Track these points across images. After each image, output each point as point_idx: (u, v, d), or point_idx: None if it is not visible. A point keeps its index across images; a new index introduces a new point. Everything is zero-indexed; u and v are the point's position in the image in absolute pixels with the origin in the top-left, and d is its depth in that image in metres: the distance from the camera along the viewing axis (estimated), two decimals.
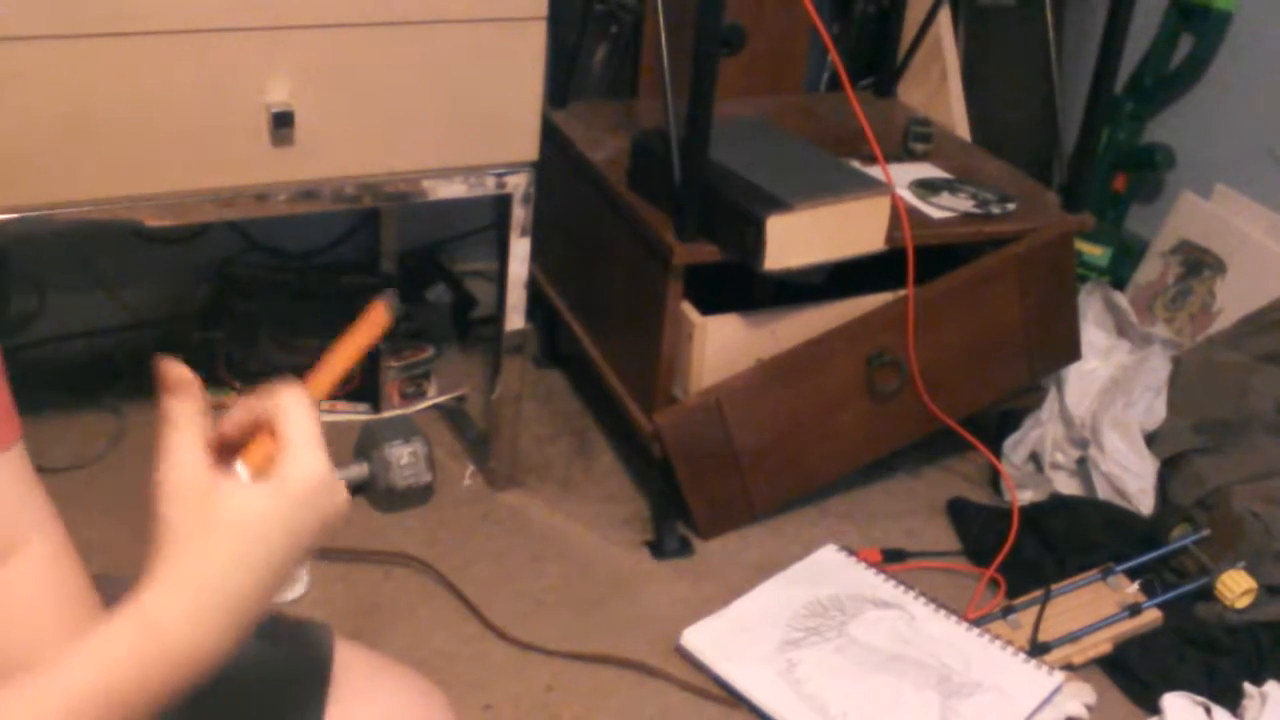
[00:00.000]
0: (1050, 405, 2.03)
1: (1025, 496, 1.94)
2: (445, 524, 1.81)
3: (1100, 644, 1.66)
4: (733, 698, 1.56)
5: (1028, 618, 1.68)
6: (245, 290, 2.05)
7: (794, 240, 1.62)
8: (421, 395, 2.06)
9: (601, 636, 1.64)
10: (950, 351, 1.85)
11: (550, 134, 1.87)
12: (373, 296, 0.77)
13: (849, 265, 1.73)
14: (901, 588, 1.72)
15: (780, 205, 1.61)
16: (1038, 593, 1.71)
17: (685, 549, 1.81)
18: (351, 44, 1.47)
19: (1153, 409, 1.96)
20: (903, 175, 1.91)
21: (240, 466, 0.69)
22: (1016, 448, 2.03)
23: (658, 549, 1.80)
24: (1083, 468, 1.96)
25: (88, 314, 2.10)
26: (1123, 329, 2.11)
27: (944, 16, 2.31)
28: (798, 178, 1.69)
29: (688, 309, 1.71)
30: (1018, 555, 1.80)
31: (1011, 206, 1.88)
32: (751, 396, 1.74)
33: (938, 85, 2.32)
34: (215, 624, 0.66)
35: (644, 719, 1.54)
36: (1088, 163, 1.91)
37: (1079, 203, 1.92)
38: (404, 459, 1.78)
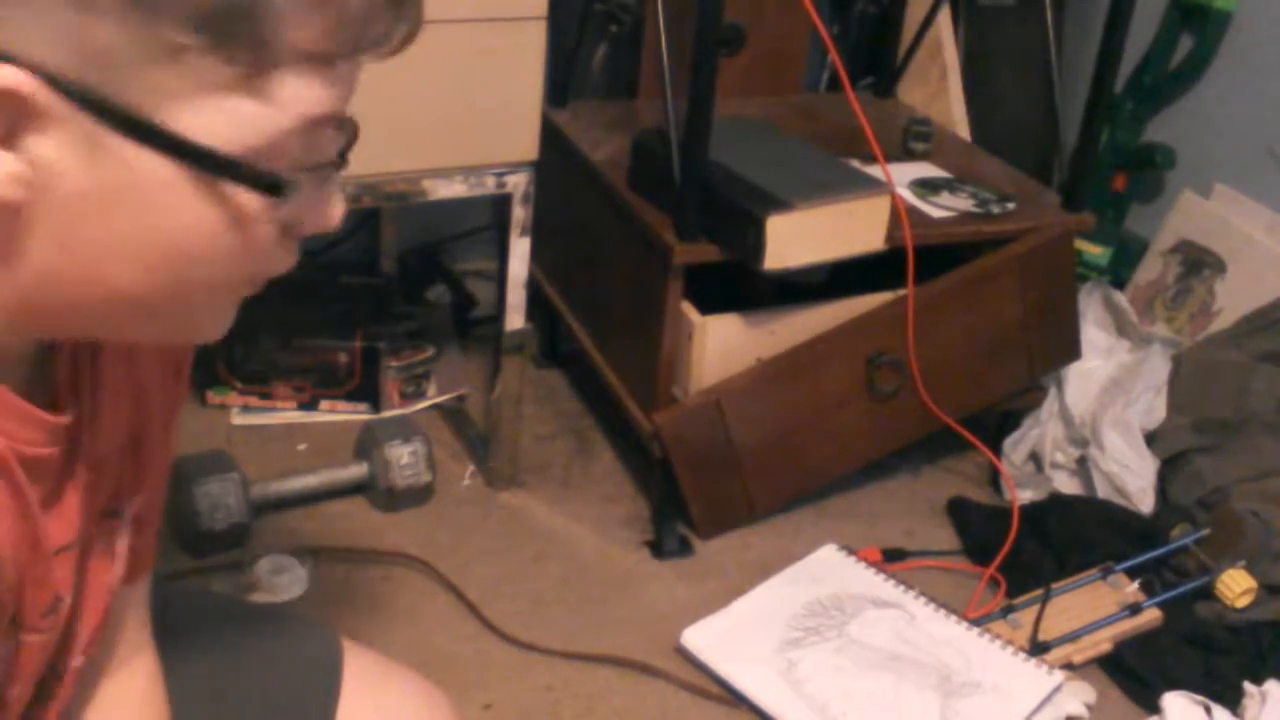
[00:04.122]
0: (1050, 405, 2.03)
1: (1025, 496, 1.94)
2: (445, 524, 1.81)
3: (1100, 643, 1.66)
4: (733, 697, 1.56)
5: (1028, 617, 1.68)
6: None
7: (794, 240, 1.62)
8: (421, 395, 2.06)
9: (601, 636, 1.64)
10: (950, 351, 1.85)
11: (550, 134, 1.87)
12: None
13: (849, 265, 1.73)
14: (901, 587, 1.71)
15: (780, 205, 1.61)
16: (1038, 592, 1.71)
17: (685, 549, 1.81)
18: None
19: (1153, 409, 1.96)
20: (903, 175, 1.91)
21: None
22: (1016, 447, 2.03)
23: (658, 549, 1.80)
24: (1083, 467, 1.96)
25: None
26: (1123, 329, 2.11)
27: (944, 16, 2.31)
28: (798, 178, 1.69)
29: (688, 309, 1.71)
30: (1018, 555, 1.80)
31: (1011, 206, 1.88)
32: (751, 396, 1.74)
33: (938, 85, 2.32)
34: None
35: (644, 719, 1.54)
36: (1088, 162, 1.91)
37: (1079, 202, 1.92)
38: (404, 459, 1.78)
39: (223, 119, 0.55)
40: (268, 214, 0.60)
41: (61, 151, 0.54)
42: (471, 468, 1.93)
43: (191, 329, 0.65)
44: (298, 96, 0.57)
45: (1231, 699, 1.58)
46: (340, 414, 1.99)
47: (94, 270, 0.58)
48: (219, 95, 0.54)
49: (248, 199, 0.58)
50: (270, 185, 0.58)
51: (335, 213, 0.65)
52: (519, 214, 1.67)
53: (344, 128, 0.64)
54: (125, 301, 0.60)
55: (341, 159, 0.62)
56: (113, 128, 0.54)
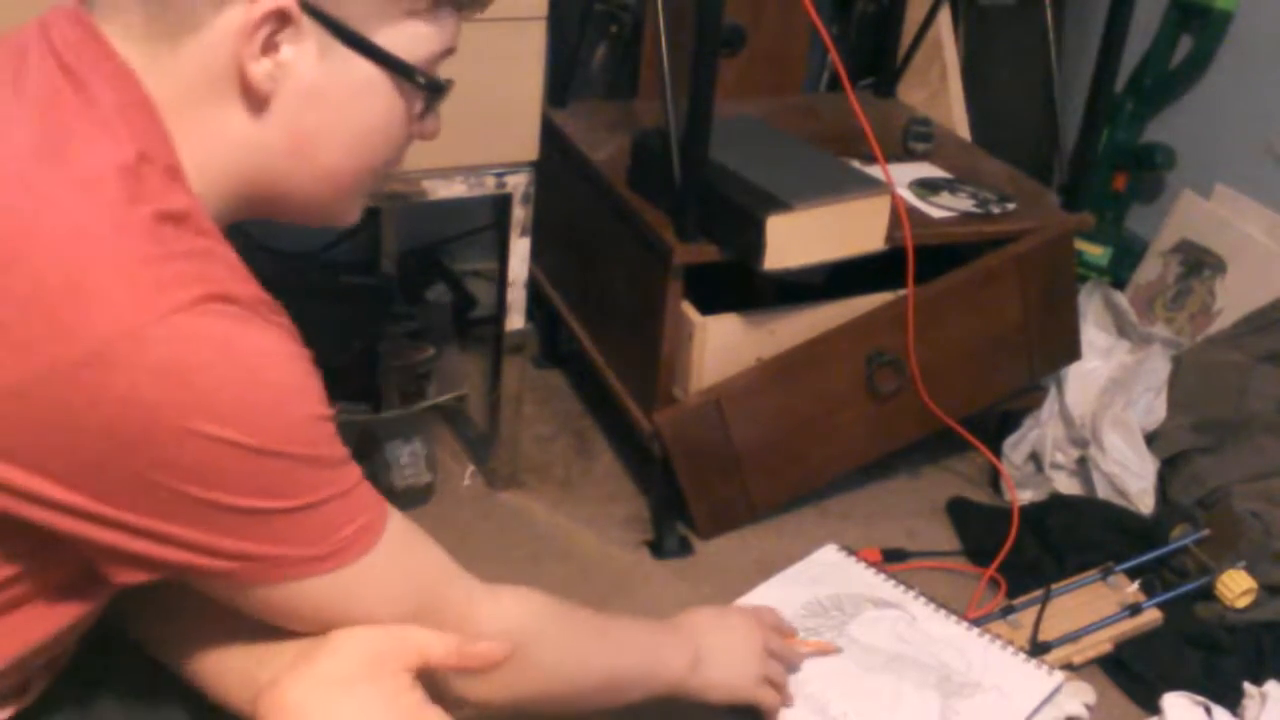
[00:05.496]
0: (1050, 405, 2.03)
1: (1025, 496, 1.94)
2: (445, 524, 1.81)
3: (1100, 644, 1.66)
4: None
5: (1028, 618, 1.68)
6: None
7: (794, 240, 1.62)
8: (421, 395, 2.05)
9: None
10: (950, 351, 1.85)
11: (550, 134, 1.87)
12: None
13: (849, 265, 1.73)
14: (901, 587, 1.71)
15: (780, 205, 1.61)
16: (1038, 593, 1.71)
17: (685, 549, 1.81)
18: None
19: (1153, 409, 1.96)
20: (903, 175, 1.91)
21: None
22: (1016, 448, 2.03)
23: (658, 549, 1.80)
24: (1083, 468, 1.96)
25: None
26: (1123, 329, 2.11)
27: (944, 16, 2.32)
28: (798, 178, 1.69)
29: (688, 309, 1.71)
30: (1018, 555, 1.80)
31: (1011, 206, 1.88)
32: (751, 396, 1.74)
33: (938, 85, 2.33)
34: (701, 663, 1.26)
35: (644, 718, 1.54)
36: (1088, 162, 1.91)
37: (1079, 202, 1.92)
38: (404, 459, 1.78)
39: (408, 37, 0.82)
40: (422, 113, 0.88)
41: (299, 56, 0.78)
42: (471, 468, 1.93)
43: (345, 212, 0.92)
44: (448, 29, 0.84)
45: (1231, 699, 1.58)
46: (340, 414, 1.99)
47: (308, 148, 0.82)
48: (412, 20, 0.81)
49: (415, 98, 0.85)
50: (436, 86, 0.86)
51: (439, 128, 0.91)
52: (519, 214, 1.67)
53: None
54: (322, 177, 0.85)
55: (448, 83, 0.88)
56: (339, 40, 0.79)
